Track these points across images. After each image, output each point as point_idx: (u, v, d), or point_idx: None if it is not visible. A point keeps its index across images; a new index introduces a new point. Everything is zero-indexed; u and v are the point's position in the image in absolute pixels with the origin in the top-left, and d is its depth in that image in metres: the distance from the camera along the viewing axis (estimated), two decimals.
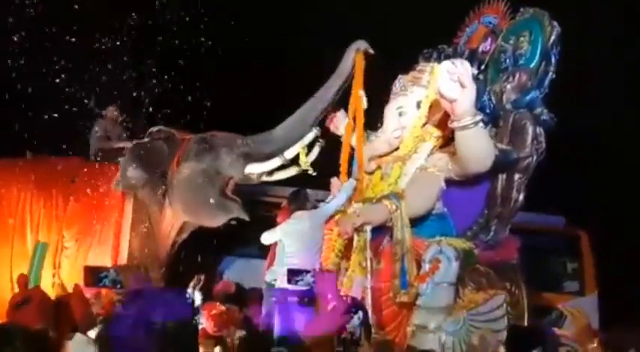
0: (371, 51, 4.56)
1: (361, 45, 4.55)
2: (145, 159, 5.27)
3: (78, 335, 3.13)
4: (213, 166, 5.10)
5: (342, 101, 4.79)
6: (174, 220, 5.35)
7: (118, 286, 2.22)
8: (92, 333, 3.33)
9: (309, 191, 5.51)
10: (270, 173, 5.24)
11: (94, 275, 2.27)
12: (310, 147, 5.05)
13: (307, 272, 2.37)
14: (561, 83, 4.13)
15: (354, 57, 4.55)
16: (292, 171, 5.19)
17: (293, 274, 2.52)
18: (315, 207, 5.26)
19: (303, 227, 4.80)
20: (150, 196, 5.23)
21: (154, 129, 5.53)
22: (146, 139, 5.51)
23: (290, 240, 4.89)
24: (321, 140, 5.05)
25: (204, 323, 4.18)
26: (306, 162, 5.00)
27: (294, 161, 5.11)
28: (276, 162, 5.03)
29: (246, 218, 5.25)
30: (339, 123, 4.81)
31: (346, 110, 4.69)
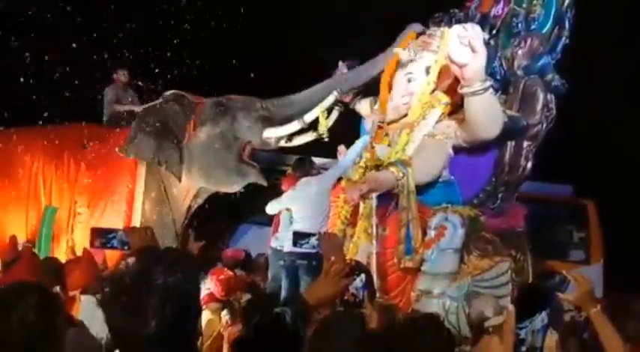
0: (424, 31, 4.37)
1: (417, 28, 4.37)
2: (157, 124, 5.15)
3: (87, 297, 3.17)
4: (231, 130, 4.96)
5: None
6: (189, 185, 5.25)
7: (126, 247, 2.23)
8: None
9: (316, 159, 5.50)
10: (290, 138, 5.11)
11: (101, 236, 2.27)
12: (329, 112, 4.91)
13: (312, 235, 2.38)
14: (574, 49, 4.05)
15: (407, 35, 4.30)
16: (310, 137, 5.05)
17: (298, 237, 2.53)
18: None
19: (310, 192, 4.80)
20: (164, 161, 5.13)
21: (168, 92, 5.38)
22: (158, 102, 5.40)
23: (297, 206, 4.91)
24: (340, 104, 4.88)
25: (213, 287, 4.25)
26: (325, 126, 4.89)
27: (313, 125, 4.96)
28: (295, 126, 4.87)
29: (264, 183, 5.15)
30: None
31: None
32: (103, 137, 5.58)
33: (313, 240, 2.31)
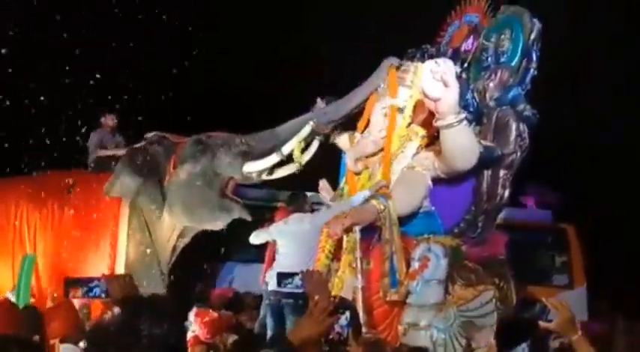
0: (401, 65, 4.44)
1: (393, 61, 4.48)
2: (140, 164, 5.16)
3: (66, 346, 3.10)
4: (211, 167, 4.97)
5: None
6: (173, 224, 5.23)
7: (104, 295, 2.19)
8: (82, 344, 3.33)
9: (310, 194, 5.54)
10: (271, 172, 5.08)
11: (79, 285, 2.21)
12: (308, 143, 4.88)
13: (295, 274, 2.38)
14: (544, 79, 4.20)
15: (388, 71, 4.36)
16: (290, 169, 5.00)
17: (282, 277, 2.51)
18: (313, 210, 5.28)
19: (302, 229, 4.81)
20: (147, 202, 5.13)
21: (150, 134, 5.43)
22: (140, 144, 5.43)
23: (284, 240, 4.89)
24: (320, 136, 4.86)
25: (197, 329, 4.18)
26: (300, 157, 4.90)
27: (292, 157, 4.92)
28: (273, 158, 4.88)
29: (248, 218, 5.14)
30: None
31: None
32: (88, 182, 5.56)
33: (297, 280, 2.31)
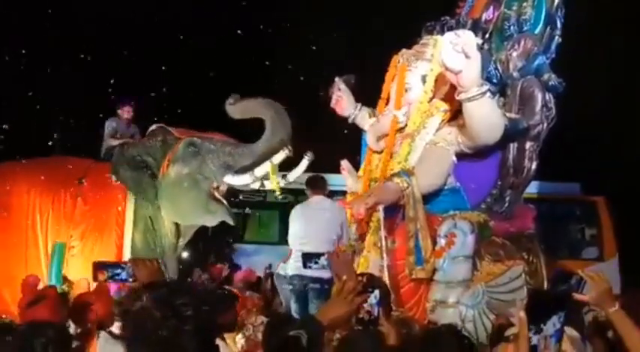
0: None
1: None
2: (136, 156, 5.34)
3: (104, 334, 3.16)
4: (199, 171, 5.15)
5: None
6: (168, 219, 5.46)
7: (131, 280, 2.22)
8: (114, 330, 3.39)
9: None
10: (262, 183, 5.18)
11: (106, 269, 2.26)
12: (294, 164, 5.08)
13: (321, 254, 2.36)
14: (570, 46, 4.05)
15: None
16: (283, 183, 5.16)
17: (307, 257, 2.50)
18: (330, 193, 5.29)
19: (322, 215, 4.84)
20: (141, 193, 5.33)
21: (153, 126, 5.57)
22: (143, 139, 5.57)
23: (304, 225, 4.90)
24: (309, 154, 5.02)
25: None
26: (276, 182, 4.99)
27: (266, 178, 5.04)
28: (245, 178, 5.04)
29: (231, 222, 5.32)
30: (346, 106, 4.71)
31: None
32: (99, 171, 5.69)
33: (323, 260, 2.29)
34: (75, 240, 5.37)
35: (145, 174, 5.29)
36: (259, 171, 4.91)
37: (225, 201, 5.21)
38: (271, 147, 4.83)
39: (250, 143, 5.11)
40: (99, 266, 2.31)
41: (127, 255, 5.20)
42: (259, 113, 4.91)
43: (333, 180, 5.51)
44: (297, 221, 4.97)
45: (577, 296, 1.99)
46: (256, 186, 5.19)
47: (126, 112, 6.45)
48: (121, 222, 5.38)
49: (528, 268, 3.60)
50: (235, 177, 5.03)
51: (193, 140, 5.21)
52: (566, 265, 4.95)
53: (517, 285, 3.46)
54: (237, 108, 4.97)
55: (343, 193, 5.22)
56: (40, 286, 4.53)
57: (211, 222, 5.33)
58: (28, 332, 1.78)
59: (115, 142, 6.26)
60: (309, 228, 4.80)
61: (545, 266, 3.75)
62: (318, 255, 2.49)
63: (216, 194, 5.18)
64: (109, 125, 6.41)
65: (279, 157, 4.81)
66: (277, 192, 5.09)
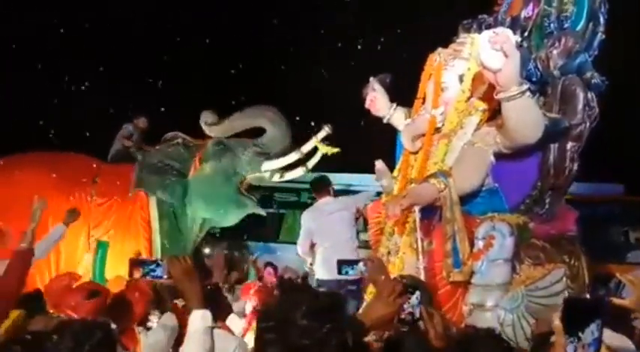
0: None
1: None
2: (158, 163, 5.58)
3: (143, 329, 3.26)
4: (232, 165, 5.45)
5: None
6: (194, 215, 5.72)
7: (166, 276, 2.27)
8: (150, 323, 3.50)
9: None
10: (282, 174, 5.56)
11: (142, 266, 2.29)
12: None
13: (358, 261, 2.38)
14: (614, 43, 3.92)
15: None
16: (301, 172, 5.55)
17: (343, 264, 2.50)
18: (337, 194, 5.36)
19: (336, 217, 4.88)
20: (167, 193, 5.51)
21: (169, 134, 5.88)
22: (161, 146, 5.84)
23: (322, 231, 4.97)
24: (327, 127, 5.35)
25: (253, 302, 4.29)
26: (329, 149, 5.24)
27: (310, 155, 5.44)
28: (292, 156, 5.29)
29: (263, 213, 5.63)
30: (381, 106, 4.66)
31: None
32: (110, 172, 5.88)
33: (361, 266, 2.31)
34: (99, 239, 5.55)
35: (169, 173, 5.53)
36: (306, 147, 5.26)
37: (251, 196, 5.50)
38: (283, 131, 5.14)
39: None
40: (135, 263, 2.34)
41: (156, 252, 5.38)
42: (251, 123, 5.24)
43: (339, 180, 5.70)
44: (313, 227, 5.03)
45: (616, 300, 1.93)
46: (278, 177, 5.41)
47: (141, 122, 6.78)
48: (146, 219, 5.55)
49: (570, 272, 3.50)
50: (277, 161, 5.33)
51: (220, 139, 5.53)
52: (609, 269, 4.80)
53: (558, 289, 3.36)
54: (220, 128, 5.29)
55: (347, 192, 5.39)
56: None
57: (240, 214, 5.70)
58: (79, 333, 1.84)
59: (128, 143, 6.50)
60: (327, 233, 4.85)
61: (587, 269, 3.64)
62: (354, 262, 2.50)
63: (243, 189, 5.47)
64: (126, 128, 6.69)
65: (323, 132, 5.16)
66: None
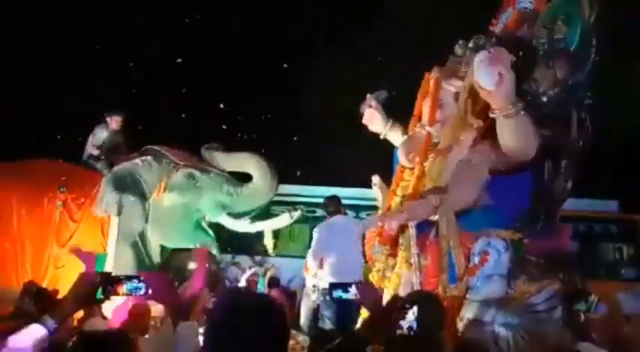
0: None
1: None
2: (127, 178, 5.50)
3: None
4: (194, 203, 5.34)
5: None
6: (153, 239, 5.61)
7: (150, 293, 2.22)
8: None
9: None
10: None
11: (125, 283, 2.20)
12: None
13: (349, 285, 2.42)
14: (607, 62, 3.99)
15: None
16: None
17: (335, 287, 2.54)
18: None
19: (352, 238, 4.96)
20: (127, 211, 5.46)
21: (147, 147, 5.76)
22: (134, 156, 5.75)
23: (331, 248, 5.04)
24: (295, 213, 5.32)
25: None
26: (271, 245, 5.25)
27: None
28: (239, 225, 5.24)
29: (215, 253, 5.54)
30: (378, 122, 4.72)
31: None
32: (78, 178, 5.82)
33: (353, 289, 2.35)
34: (57, 249, 5.51)
35: (133, 192, 5.45)
36: (256, 227, 5.19)
37: (211, 232, 5.46)
38: (264, 194, 5.05)
39: (242, 181, 5.37)
40: (114, 280, 2.21)
41: (109, 267, 5.35)
42: (243, 167, 5.20)
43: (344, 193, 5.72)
44: (325, 240, 5.08)
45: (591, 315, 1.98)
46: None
47: (114, 122, 6.54)
48: (106, 234, 5.54)
49: (564, 288, 3.54)
50: (229, 220, 5.29)
51: (193, 172, 5.44)
52: (603, 285, 4.84)
53: (552, 305, 3.39)
54: (221, 158, 5.24)
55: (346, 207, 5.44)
56: None
57: (194, 245, 5.54)
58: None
59: (96, 152, 6.40)
60: (337, 246, 4.91)
61: (581, 286, 3.67)
62: (346, 285, 2.53)
63: (204, 224, 5.41)
64: (97, 133, 6.48)
65: (285, 221, 5.11)
66: (271, 250, 5.40)
